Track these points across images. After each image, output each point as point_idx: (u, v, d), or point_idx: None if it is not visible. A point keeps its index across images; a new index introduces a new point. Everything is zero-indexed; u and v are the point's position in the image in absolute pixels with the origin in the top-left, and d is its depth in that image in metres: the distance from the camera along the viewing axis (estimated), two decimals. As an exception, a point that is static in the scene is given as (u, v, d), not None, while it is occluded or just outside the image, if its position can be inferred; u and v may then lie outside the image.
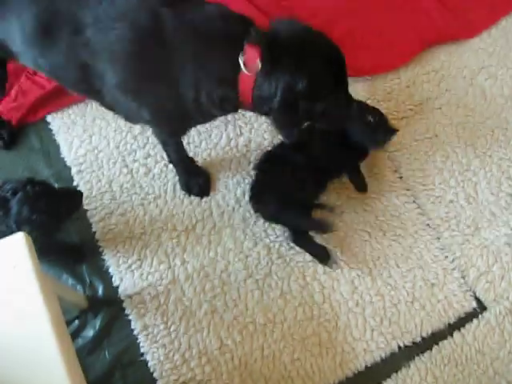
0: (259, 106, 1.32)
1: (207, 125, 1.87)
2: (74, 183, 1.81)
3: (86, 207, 1.76)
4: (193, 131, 1.87)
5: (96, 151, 1.85)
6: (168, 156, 1.73)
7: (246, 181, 1.81)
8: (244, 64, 1.24)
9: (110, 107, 1.45)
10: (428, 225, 1.80)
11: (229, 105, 1.34)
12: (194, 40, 1.25)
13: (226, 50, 1.26)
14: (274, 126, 1.40)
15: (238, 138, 1.88)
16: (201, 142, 1.87)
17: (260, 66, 1.24)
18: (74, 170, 1.83)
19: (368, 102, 1.91)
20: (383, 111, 1.73)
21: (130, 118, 1.47)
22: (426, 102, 1.99)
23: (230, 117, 1.89)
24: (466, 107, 1.99)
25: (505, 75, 2.07)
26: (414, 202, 1.82)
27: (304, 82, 1.24)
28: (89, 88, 1.36)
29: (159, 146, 1.74)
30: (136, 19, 1.23)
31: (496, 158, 1.91)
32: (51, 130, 1.90)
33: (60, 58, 1.30)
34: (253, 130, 1.89)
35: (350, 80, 1.40)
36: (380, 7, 2.15)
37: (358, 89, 1.98)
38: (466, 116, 1.98)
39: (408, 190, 1.84)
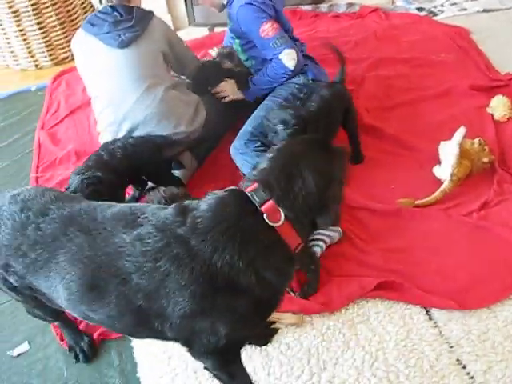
0: None
1: (289, 356, 1.79)
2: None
3: None
4: (274, 361, 1.77)
5: (173, 374, 1.79)
6: None
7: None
8: (271, 220, 1.25)
9: (171, 340, 1.39)
10: None
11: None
12: (226, 238, 1.24)
13: (257, 226, 1.26)
14: None
15: (321, 372, 1.74)
16: (281, 373, 1.75)
17: (282, 213, 1.25)
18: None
19: (461, 341, 1.78)
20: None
21: (194, 342, 1.36)
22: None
23: (313, 349, 1.80)
24: None
25: None
26: None
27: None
28: (147, 330, 1.35)
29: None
30: (171, 251, 1.24)
31: None
32: (132, 348, 1.89)
33: (112, 310, 1.31)
34: (337, 366, 1.76)
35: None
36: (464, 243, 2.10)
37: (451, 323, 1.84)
38: None
39: None
